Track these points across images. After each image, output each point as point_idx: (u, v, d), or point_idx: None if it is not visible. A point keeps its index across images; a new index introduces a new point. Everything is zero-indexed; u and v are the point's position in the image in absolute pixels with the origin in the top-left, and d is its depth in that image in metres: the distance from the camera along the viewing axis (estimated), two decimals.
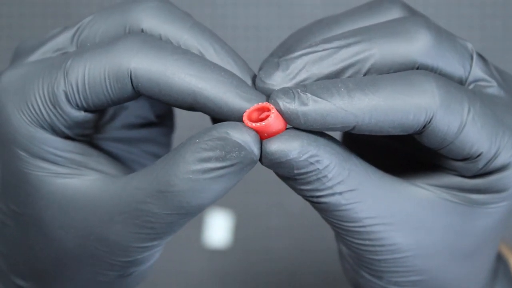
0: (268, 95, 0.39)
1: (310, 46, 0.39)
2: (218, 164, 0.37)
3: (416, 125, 0.38)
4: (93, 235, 0.41)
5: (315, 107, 0.37)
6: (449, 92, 0.38)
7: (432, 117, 0.38)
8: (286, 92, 0.37)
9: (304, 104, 0.37)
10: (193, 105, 0.38)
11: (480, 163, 0.40)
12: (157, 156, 0.46)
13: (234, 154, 0.37)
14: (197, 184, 0.38)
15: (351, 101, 0.37)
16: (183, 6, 0.83)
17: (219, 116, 0.38)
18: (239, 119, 0.38)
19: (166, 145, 0.47)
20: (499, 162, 0.40)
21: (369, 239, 0.40)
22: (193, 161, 0.38)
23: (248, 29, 0.89)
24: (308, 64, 0.39)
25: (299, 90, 0.37)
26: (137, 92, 0.39)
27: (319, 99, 0.37)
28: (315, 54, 0.39)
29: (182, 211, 0.39)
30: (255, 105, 0.38)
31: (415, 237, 0.41)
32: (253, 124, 0.38)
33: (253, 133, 0.37)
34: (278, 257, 0.90)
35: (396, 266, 0.41)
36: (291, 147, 0.38)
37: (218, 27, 0.88)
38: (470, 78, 0.41)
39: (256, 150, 0.38)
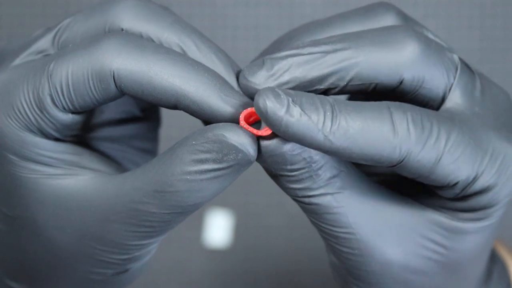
0: (250, 93, 0.39)
1: (298, 47, 0.39)
2: (215, 166, 0.38)
3: (387, 162, 0.38)
4: (90, 235, 0.41)
5: (299, 122, 0.37)
6: (425, 129, 0.38)
7: (406, 156, 0.38)
8: (277, 96, 0.37)
9: (291, 115, 0.37)
10: (176, 106, 0.39)
11: (457, 190, 0.39)
12: (146, 151, 0.46)
13: (231, 157, 0.37)
14: (194, 185, 0.38)
15: (333, 128, 0.37)
16: (184, 6, 0.83)
17: (201, 117, 0.39)
18: (223, 121, 0.38)
19: (153, 139, 0.47)
20: (478, 186, 0.39)
21: (358, 248, 0.40)
22: (189, 162, 0.38)
23: (248, 29, 0.89)
24: (292, 67, 0.38)
25: (290, 100, 0.37)
26: (121, 92, 0.39)
27: (306, 116, 0.37)
28: (301, 57, 0.39)
29: (179, 210, 0.39)
30: (251, 108, 0.38)
31: (404, 250, 0.41)
32: (255, 131, 0.38)
33: (250, 134, 0.38)
34: (278, 257, 0.90)
35: (384, 277, 0.41)
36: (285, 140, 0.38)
37: (218, 27, 0.88)
38: (451, 92, 0.40)
39: (252, 152, 0.38)
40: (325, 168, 0.39)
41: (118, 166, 0.43)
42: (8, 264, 0.44)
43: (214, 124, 0.38)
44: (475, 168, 0.39)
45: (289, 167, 0.38)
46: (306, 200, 0.39)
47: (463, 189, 0.39)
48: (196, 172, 0.38)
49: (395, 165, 0.38)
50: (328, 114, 0.37)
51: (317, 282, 0.90)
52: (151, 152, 0.47)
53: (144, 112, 0.46)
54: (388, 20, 0.41)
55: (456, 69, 0.40)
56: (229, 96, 0.38)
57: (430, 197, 0.41)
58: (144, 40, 0.39)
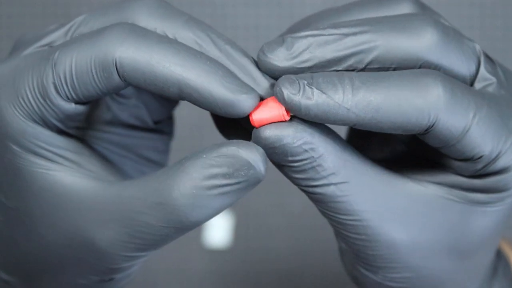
0: (267, 68, 0.39)
1: (318, 29, 0.39)
2: (224, 181, 0.37)
3: (417, 128, 0.38)
4: (81, 238, 0.40)
5: (318, 102, 0.37)
6: (455, 96, 0.38)
7: (436, 121, 0.38)
8: (293, 82, 0.37)
9: (308, 98, 0.37)
10: (179, 95, 0.38)
11: (479, 165, 0.39)
12: (154, 163, 0.46)
13: (242, 172, 0.37)
14: (199, 200, 0.38)
15: (355, 100, 0.37)
16: (183, 6, 0.83)
17: (205, 106, 0.38)
18: (224, 109, 0.38)
19: (163, 152, 0.47)
20: (499, 165, 0.40)
21: (365, 234, 0.40)
22: (198, 177, 0.37)
23: (248, 29, 0.89)
24: (312, 46, 0.39)
25: (305, 82, 0.37)
26: (124, 81, 0.39)
27: (324, 95, 0.37)
28: (321, 37, 0.39)
29: (179, 225, 0.39)
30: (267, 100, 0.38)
31: (411, 233, 0.41)
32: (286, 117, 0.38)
33: (262, 152, 0.38)
34: (278, 257, 0.90)
35: (391, 261, 0.41)
36: (285, 132, 0.38)
37: (218, 27, 0.87)
38: (479, 78, 0.41)
39: (263, 169, 0.38)
40: (329, 159, 0.39)
41: (119, 172, 0.43)
42: (0, 254, 0.44)
43: (227, 141, 0.38)
44: (500, 145, 0.39)
45: (290, 158, 0.38)
46: (310, 189, 0.39)
47: (485, 166, 0.39)
48: (203, 187, 0.37)
49: (425, 132, 0.38)
50: (348, 87, 0.37)
51: (317, 282, 0.90)
52: (159, 164, 0.46)
53: (157, 123, 0.46)
54: (405, 8, 0.41)
55: (478, 57, 0.41)
56: (232, 84, 0.38)
57: (444, 176, 0.41)
58: (148, 30, 0.39)
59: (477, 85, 0.41)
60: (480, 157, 0.39)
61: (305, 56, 0.39)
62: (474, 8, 0.88)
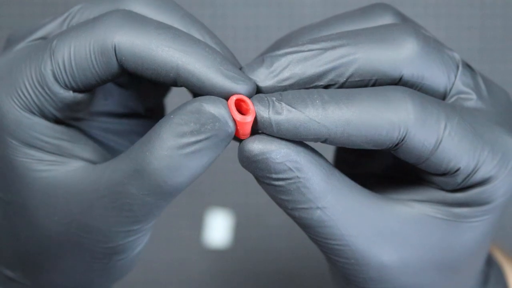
0: None
1: (297, 45, 0.39)
2: (193, 138, 0.37)
3: (389, 142, 0.38)
4: (75, 222, 0.41)
5: (288, 117, 0.37)
6: (425, 109, 0.38)
7: (406, 134, 0.38)
8: (261, 99, 0.38)
9: (277, 113, 0.37)
10: (176, 80, 0.38)
11: (459, 178, 0.39)
12: None
13: (208, 126, 0.37)
14: (173, 161, 0.38)
15: (324, 113, 0.37)
16: (184, 6, 0.83)
17: (201, 91, 0.38)
18: (221, 96, 0.38)
19: None
20: (478, 176, 0.39)
21: (354, 258, 0.40)
22: (167, 137, 0.37)
23: (248, 29, 0.89)
24: (292, 63, 0.39)
25: (274, 99, 0.38)
26: (122, 67, 0.39)
27: (293, 109, 0.37)
28: (300, 54, 0.39)
29: (159, 190, 0.39)
30: (239, 95, 0.38)
31: (400, 254, 0.40)
32: (237, 116, 0.38)
33: (227, 106, 0.38)
34: (278, 257, 0.90)
35: (382, 283, 0.41)
36: (269, 147, 0.38)
37: (218, 27, 0.88)
38: (453, 90, 0.40)
39: (230, 122, 0.37)
40: (315, 181, 0.38)
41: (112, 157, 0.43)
42: (2, 251, 0.44)
43: (194, 98, 0.38)
44: (476, 156, 0.39)
45: (274, 175, 0.38)
46: (296, 214, 0.39)
47: (464, 179, 0.39)
48: (174, 147, 0.37)
49: (396, 146, 0.38)
50: (317, 102, 0.37)
51: (317, 282, 0.90)
52: None
53: (148, 111, 0.46)
54: (386, 20, 0.41)
55: (457, 67, 0.40)
56: (229, 71, 0.38)
57: (429, 192, 0.41)
58: (146, 17, 0.39)
59: (451, 97, 0.40)
60: (458, 169, 0.39)
61: (286, 74, 0.39)
62: (474, 8, 0.88)
